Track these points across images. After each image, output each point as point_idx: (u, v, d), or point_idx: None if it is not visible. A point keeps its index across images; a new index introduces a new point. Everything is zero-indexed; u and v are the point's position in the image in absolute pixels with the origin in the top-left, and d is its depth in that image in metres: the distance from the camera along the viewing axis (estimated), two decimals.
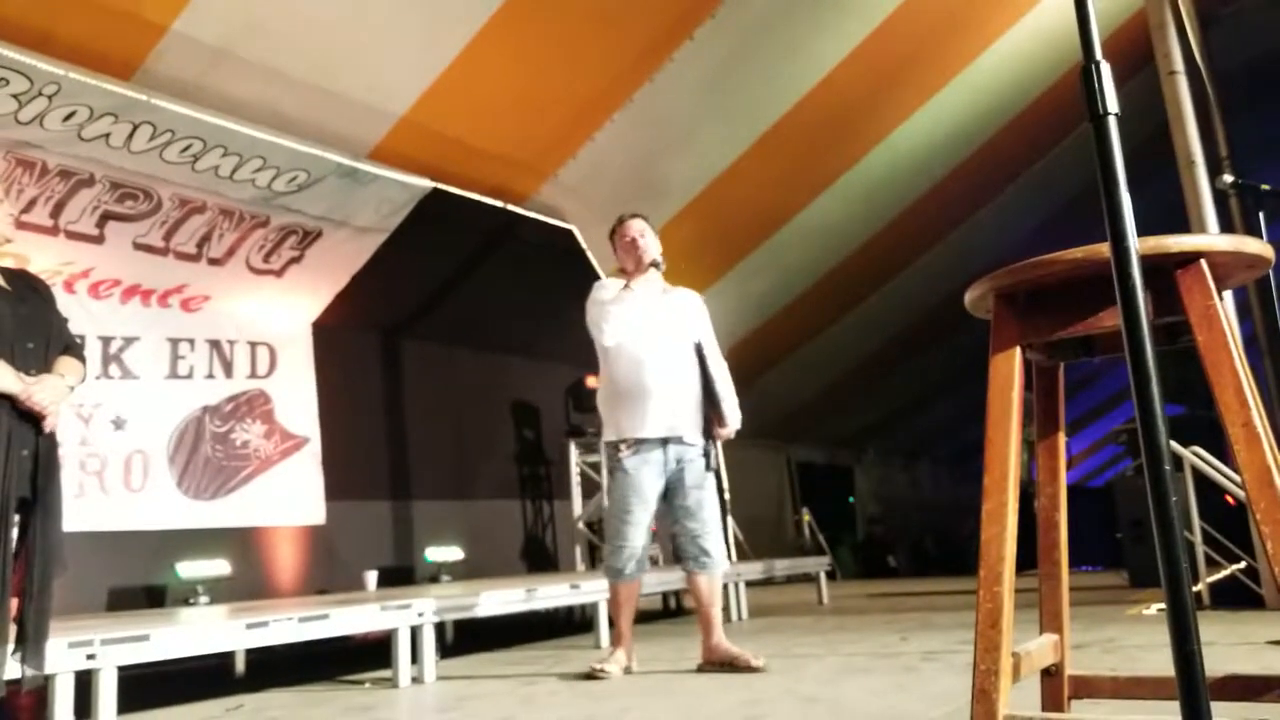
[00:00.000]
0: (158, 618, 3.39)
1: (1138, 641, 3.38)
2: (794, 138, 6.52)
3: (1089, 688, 1.31)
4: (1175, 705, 0.88)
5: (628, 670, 3.44)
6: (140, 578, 4.80)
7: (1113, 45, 7.50)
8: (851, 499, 12.48)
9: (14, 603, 2.17)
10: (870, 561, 11.58)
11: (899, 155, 7.30)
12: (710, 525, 3.48)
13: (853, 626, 4.68)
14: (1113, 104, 0.90)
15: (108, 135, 4.44)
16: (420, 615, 3.42)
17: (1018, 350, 1.16)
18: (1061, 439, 1.36)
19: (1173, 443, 4.67)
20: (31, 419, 2.24)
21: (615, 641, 3.52)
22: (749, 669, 3.26)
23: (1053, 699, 1.31)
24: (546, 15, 5.03)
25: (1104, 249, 1.04)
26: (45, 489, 2.26)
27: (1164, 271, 1.07)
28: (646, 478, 3.40)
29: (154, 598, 4.85)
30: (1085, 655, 3.01)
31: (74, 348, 2.47)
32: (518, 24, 4.95)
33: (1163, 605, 3.35)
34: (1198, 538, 4.68)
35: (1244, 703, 1.11)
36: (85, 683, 2.53)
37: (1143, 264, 1.04)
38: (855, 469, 12.59)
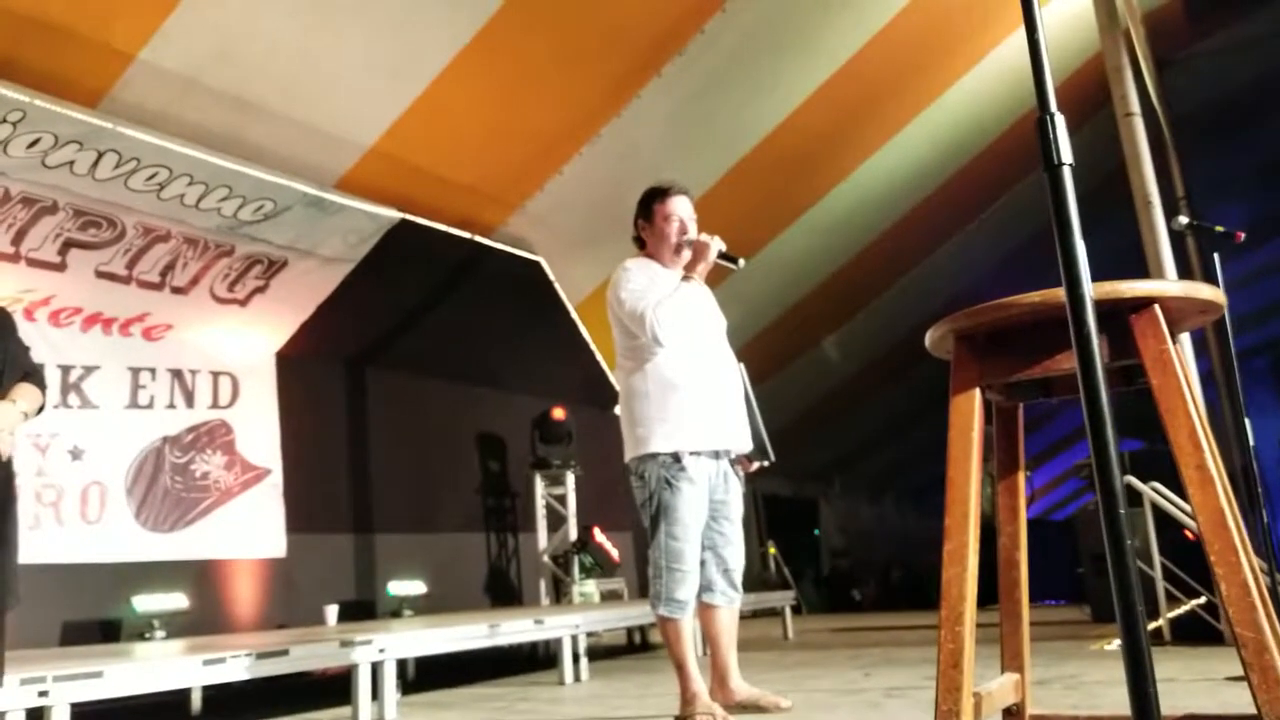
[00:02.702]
0: (112, 653, 3.30)
1: (1099, 677, 3.41)
2: (759, 174, 6.61)
3: None
4: None
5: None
6: (95, 611, 4.69)
7: (1069, 88, 7.74)
8: (817, 531, 12.51)
9: None
10: (835, 595, 11.59)
11: (862, 192, 7.43)
12: (743, 558, 3.11)
13: (816, 662, 4.68)
14: (1066, 155, 0.93)
15: (72, 163, 4.41)
16: (381, 651, 3.36)
17: (977, 391, 1.19)
18: (1021, 478, 1.39)
19: (1131, 478, 4.74)
20: None
21: (687, 686, 2.89)
22: (775, 710, 2.97)
23: None
24: (517, 48, 5.07)
25: (1059, 294, 1.07)
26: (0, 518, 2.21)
27: (1119, 316, 1.10)
28: (702, 494, 2.95)
29: (109, 632, 4.73)
30: (1047, 692, 3.04)
31: (33, 374, 2.43)
32: (488, 56, 4.99)
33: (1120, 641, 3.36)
34: (1158, 573, 4.74)
35: None
36: None
37: (1097, 309, 1.07)
38: (820, 502, 12.64)
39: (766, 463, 3.27)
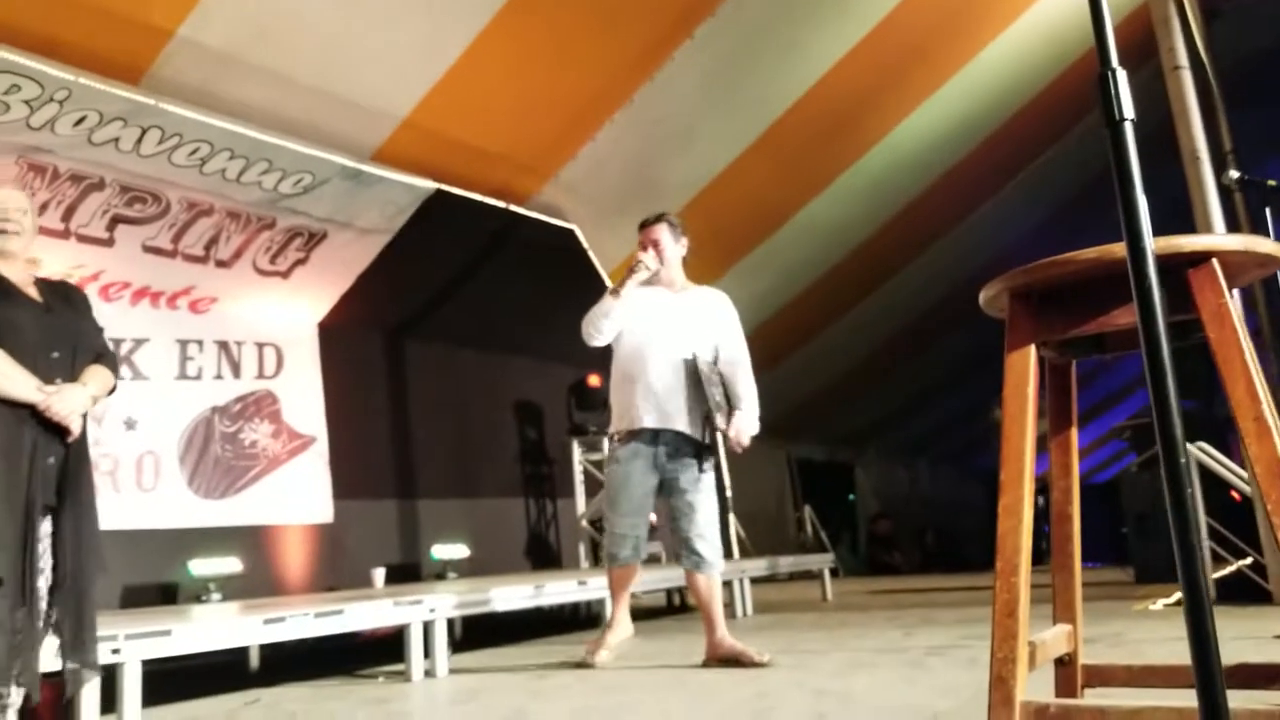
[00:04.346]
0: (174, 614, 3.43)
1: (1144, 635, 3.43)
2: (794, 136, 6.56)
3: (1102, 677, 1.35)
4: (1187, 693, 0.92)
5: (617, 648, 3.61)
6: (153, 575, 4.84)
7: (1118, 39, 7.54)
8: (853, 496, 12.53)
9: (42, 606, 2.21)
10: (872, 559, 11.63)
11: (899, 153, 7.34)
12: (703, 527, 3.52)
13: (857, 623, 4.73)
14: (1129, 110, 0.94)
15: (117, 139, 4.48)
16: (432, 611, 3.46)
17: (1032, 348, 1.20)
18: (1074, 434, 1.40)
19: None
20: (57, 428, 2.28)
21: (607, 627, 3.66)
22: (753, 664, 3.30)
23: (1066, 687, 1.35)
24: (547, 16, 5.07)
25: (1116, 249, 1.08)
26: (74, 495, 2.30)
27: (1176, 270, 1.11)
28: (637, 469, 3.52)
29: (167, 595, 4.89)
30: (1093, 649, 3.05)
31: (106, 356, 2.50)
32: (518, 25, 4.99)
33: (1169, 600, 3.40)
34: (1204, 534, 4.71)
35: (1253, 690, 1.15)
36: (109, 678, 2.57)
37: (1155, 263, 1.08)
38: (856, 466, 12.64)
39: (739, 439, 3.63)
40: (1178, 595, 4.64)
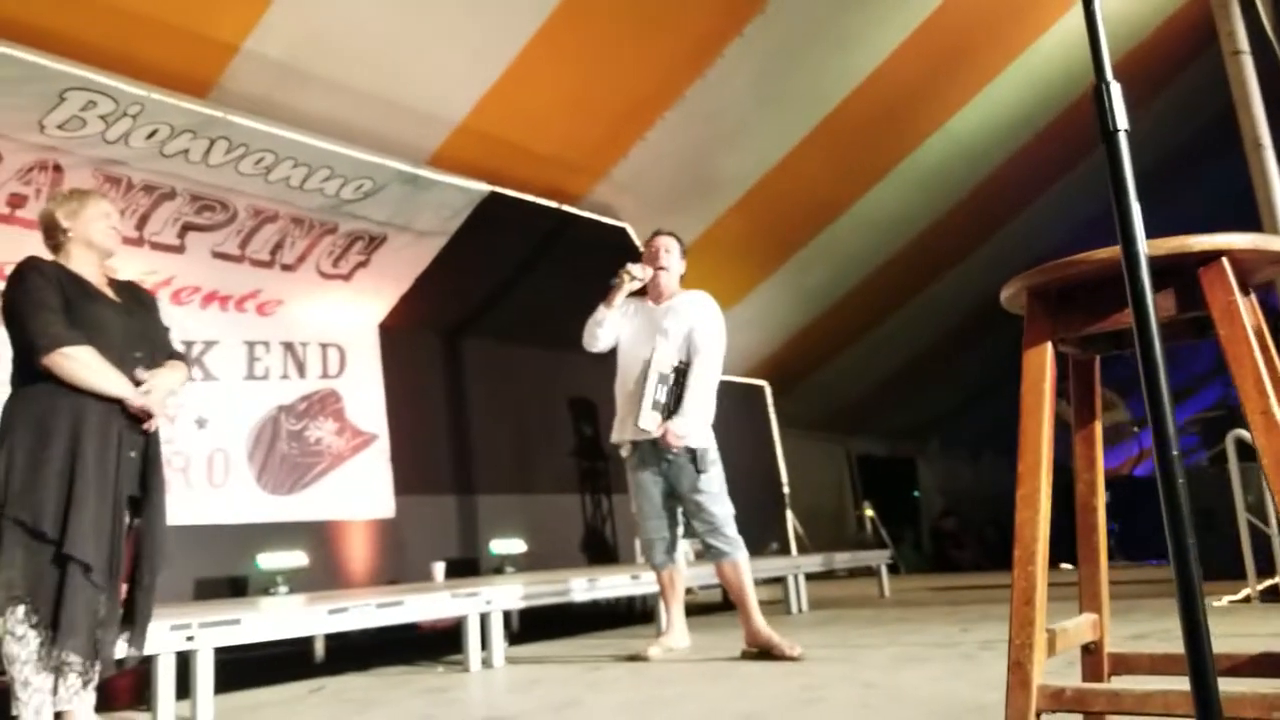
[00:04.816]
0: (244, 606, 3.59)
1: None
2: (847, 129, 6.53)
3: (1127, 664, 1.37)
4: (1223, 681, 0.94)
5: (669, 651, 3.68)
6: (224, 569, 5.04)
7: (1175, 24, 7.32)
8: (917, 493, 12.38)
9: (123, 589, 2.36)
10: (936, 556, 11.49)
11: (957, 142, 7.24)
12: (717, 520, 3.63)
13: (913, 618, 4.71)
14: (1122, 121, 0.96)
15: (187, 151, 4.68)
16: (489, 603, 3.56)
17: (1049, 345, 1.22)
18: (1098, 428, 1.42)
19: (1243, 431, 4.59)
20: (138, 422, 2.42)
21: (664, 631, 3.81)
22: (784, 658, 3.36)
23: (1093, 674, 1.37)
24: (597, 18, 5.14)
25: None
26: (153, 487, 2.45)
27: (1188, 269, 1.12)
28: (646, 476, 3.71)
29: (236, 588, 5.08)
30: (1143, 645, 3.02)
31: (176, 354, 2.65)
32: (569, 28, 5.07)
33: (1235, 597, 3.32)
34: (1274, 530, 4.58)
35: (1273, 679, 1.16)
36: (182, 664, 2.72)
37: (1167, 262, 1.10)
38: (918, 461, 12.49)
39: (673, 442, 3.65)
40: (1245, 592, 4.53)
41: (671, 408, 3.63)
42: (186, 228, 5.05)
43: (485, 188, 5.70)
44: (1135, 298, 0.90)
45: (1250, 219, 4.36)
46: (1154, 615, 3.95)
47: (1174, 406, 0.90)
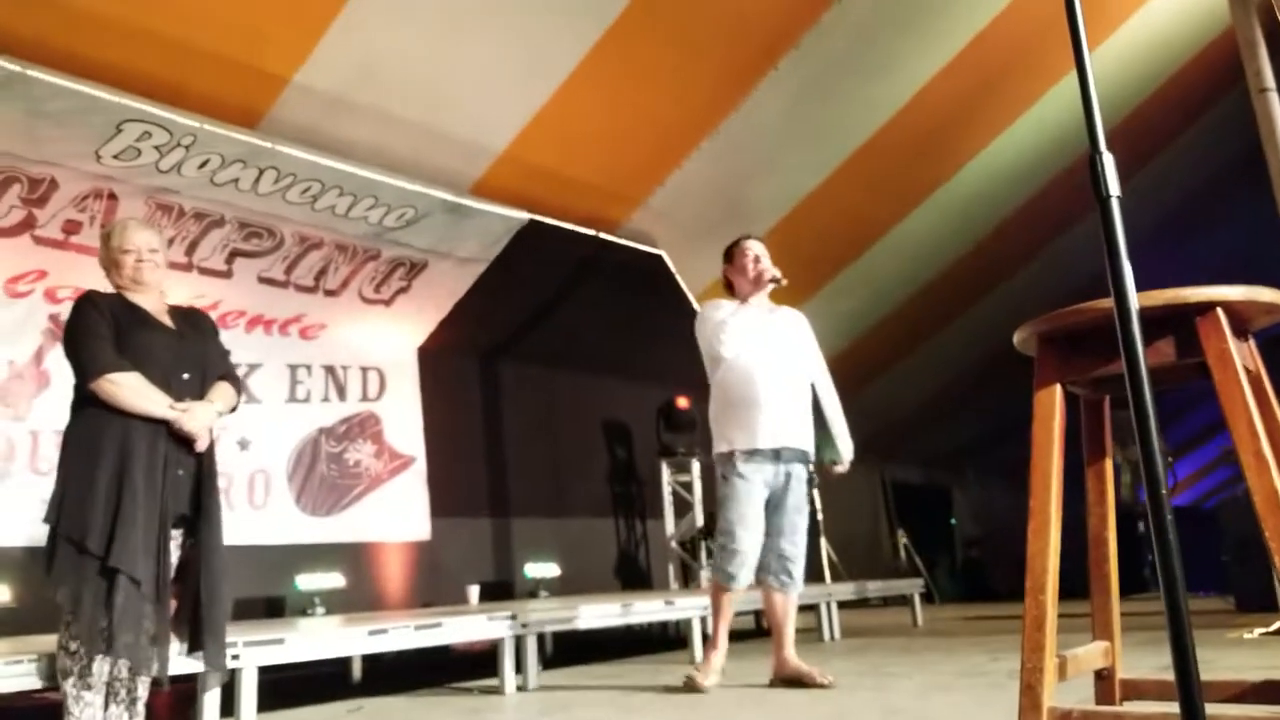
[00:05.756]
0: (284, 626, 3.69)
1: (1231, 664, 3.33)
2: (883, 157, 6.57)
3: (1138, 690, 1.41)
4: (1221, 706, 0.98)
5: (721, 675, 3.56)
6: (262, 589, 5.14)
7: (1201, 63, 7.29)
8: (953, 520, 12.27)
9: (172, 606, 2.46)
10: (970, 584, 11.36)
11: (995, 168, 7.26)
12: (801, 549, 3.59)
13: (944, 647, 4.69)
14: (1115, 188, 1.03)
15: (237, 180, 4.85)
16: (524, 626, 3.63)
17: (1058, 386, 1.28)
18: (1109, 465, 1.46)
19: None
20: (187, 443, 2.54)
21: (710, 649, 3.58)
22: (815, 685, 3.34)
23: (1105, 698, 1.41)
24: (637, 50, 5.25)
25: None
26: (207, 506, 2.55)
27: (1187, 318, 1.18)
28: (758, 487, 3.51)
29: (273, 608, 5.17)
30: (1167, 674, 3.00)
31: (230, 376, 2.76)
32: (610, 59, 5.18)
33: (1268, 629, 3.30)
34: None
35: (1270, 706, 1.19)
36: (227, 683, 2.82)
37: (1167, 312, 1.15)
38: (954, 489, 12.38)
39: (841, 464, 3.82)
40: (1277, 624, 4.46)
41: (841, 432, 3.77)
42: (234, 254, 5.22)
43: (525, 216, 5.83)
44: (1127, 349, 0.96)
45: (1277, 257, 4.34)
46: None
47: (1164, 446, 0.96)
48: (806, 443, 3.62)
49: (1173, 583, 0.92)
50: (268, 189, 4.99)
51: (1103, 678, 1.40)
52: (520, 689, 3.65)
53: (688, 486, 7.02)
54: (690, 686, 3.40)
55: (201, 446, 2.55)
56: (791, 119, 6.02)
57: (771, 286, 3.64)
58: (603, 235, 6.38)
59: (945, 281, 8.29)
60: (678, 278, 6.92)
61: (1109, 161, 1.05)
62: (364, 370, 6.07)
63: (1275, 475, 1.09)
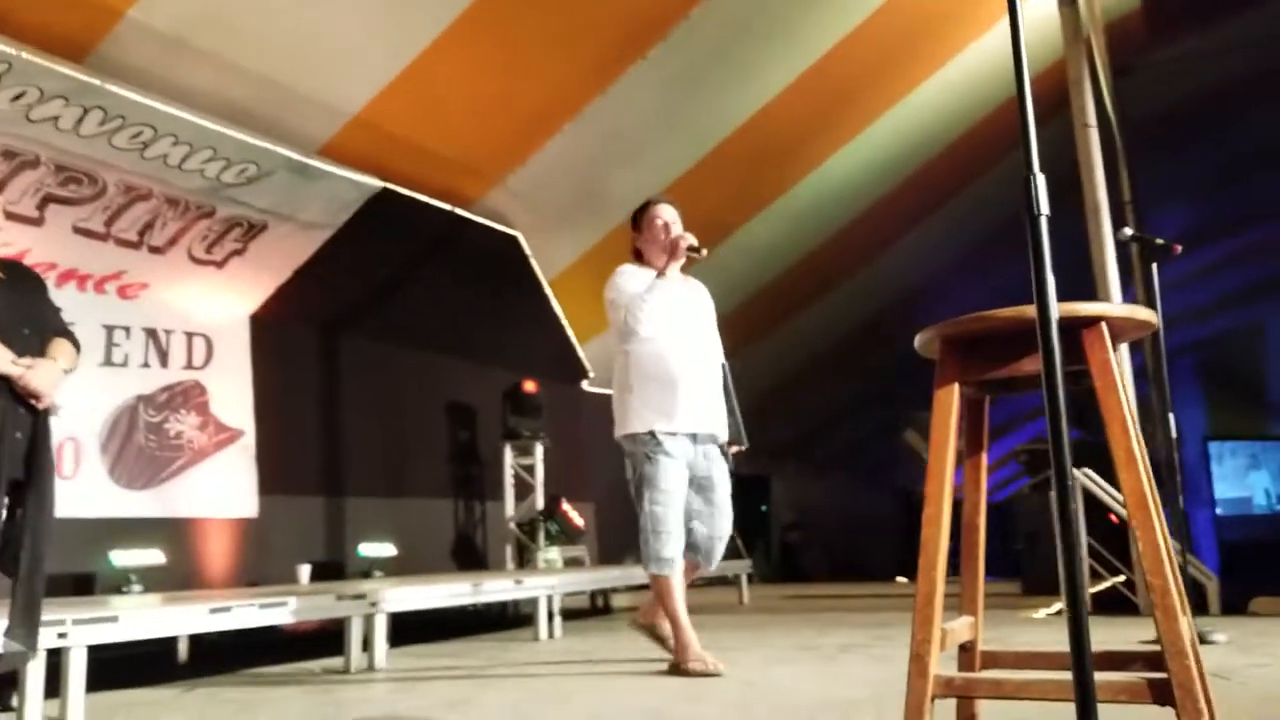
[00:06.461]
0: (112, 603, 3.43)
1: (1028, 639, 3.75)
2: (734, 160, 6.81)
3: (996, 660, 1.60)
4: (1064, 673, 1.14)
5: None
6: (70, 565, 4.74)
7: (1032, 92, 7.99)
8: (765, 507, 12.91)
9: None
10: (784, 567, 12.02)
11: (831, 183, 7.67)
12: (726, 528, 3.47)
13: (774, 624, 4.97)
14: (1044, 208, 1.16)
15: (57, 118, 4.41)
16: (373, 605, 3.55)
17: (957, 386, 1.42)
18: (984, 458, 1.64)
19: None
20: (25, 402, 2.32)
21: (679, 632, 3.25)
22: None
23: (967, 667, 1.60)
24: (506, 24, 5.18)
25: (1027, 310, 1.32)
26: (39, 471, 2.35)
27: (1073, 330, 1.34)
28: (682, 465, 3.33)
29: (81, 585, 4.79)
30: (992, 646, 3.34)
31: (68, 334, 2.55)
32: (477, 31, 5.09)
33: (1052, 610, 3.74)
34: (1083, 551, 5.14)
35: (1115, 672, 1.38)
36: (53, 662, 2.60)
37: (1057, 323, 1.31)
38: (773, 479, 13.02)
39: (742, 447, 3.68)
40: (1058, 606, 5.04)
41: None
42: (48, 199, 4.75)
43: (377, 183, 5.63)
44: (1045, 353, 1.10)
45: (1083, 275, 4.87)
46: (986, 624, 4.33)
47: (1069, 438, 1.09)
48: (721, 427, 3.47)
49: (1074, 572, 1.05)
50: (91, 131, 4.57)
51: (965, 650, 1.57)
52: (368, 668, 3.57)
53: (530, 470, 7.04)
54: (705, 672, 3.10)
55: (45, 405, 2.35)
56: (656, 111, 6.13)
57: (688, 258, 3.39)
58: (458, 211, 6.27)
59: (777, 288, 8.69)
60: (532, 260, 6.90)
61: (1042, 182, 1.17)
62: (189, 336, 5.69)
63: (1143, 473, 1.27)
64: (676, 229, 3.50)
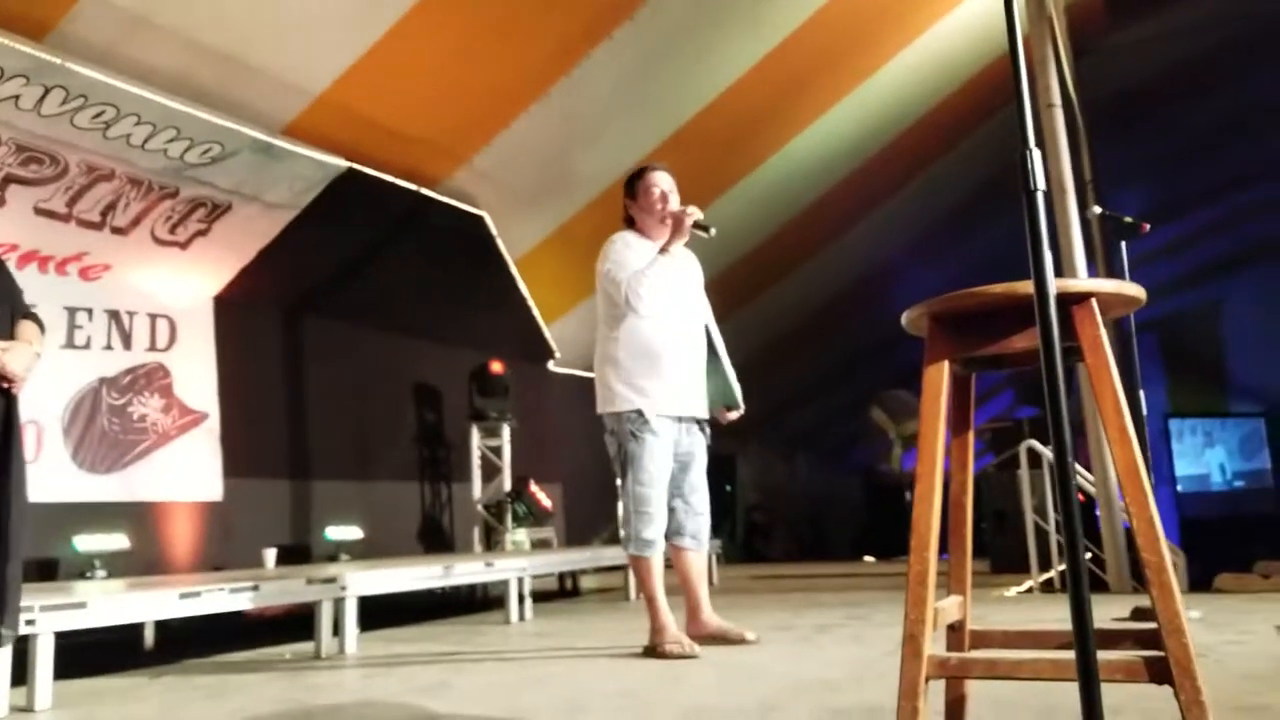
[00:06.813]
0: (77, 589, 3.37)
1: (1002, 618, 3.81)
2: (700, 140, 6.80)
3: (984, 639, 1.61)
4: (1052, 652, 1.16)
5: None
6: (31, 550, 4.62)
7: (989, 75, 8.06)
8: (729, 487, 12.98)
9: None
10: (749, 547, 12.12)
11: (795, 163, 7.69)
12: (707, 505, 3.47)
13: (746, 605, 5.01)
14: (1040, 183, 1.17)
15: (17, 97, 4.31)
16: (344, 589, 3.52)
17: (946, 363, 1.43)
18: (970, 436, 1.65)
19: (1034, 441, 5.21)
20: None
21: (657, 614, 3.22)
22: (741, 642, 3.28)
23: (956, 646, 1.60)
24: (473, 4, 5.14)
25: (1018, 287, 1.33)
26: (11, 455, 2.29)
27: (1063, 306, 1.35)
28: (669, 446, 3.28)
29: (45, 571, 4.72)
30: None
31: (32, 315, 2.48)
32: (443, 10, 5.03)
33: (1023, 588, 3.82)
34: (1052, 528, 5.24)
35: (1107, 651, 1.40)
36: (19, 649, 2.56)
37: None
38: (738, 458, 13.09)
39: (739, 410, 3.60)
40: (1028, 584, 5.13)
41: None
42: (9, 180, 4.64)
43: (342, 163, 5.56)
44: (1043, 330, 1.11)
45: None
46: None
47: (1066, 418, 1.11)
48: (704, 411, 3.45)
49: (1075, 553, 1.07)
50: (53, 110, 4.46)
51: (954, 629, 1.58)
52: (339, 653, 3.55)
53: (497, 451, 7.01)
54: (686, 655, 3.09)
55: (19, 389, 2.30)
56: (621, 91, 6.10)
57: (691, 235, 3.23)
58: (424, 191, 6.20)
59: (741, 269, 8.71)
60: (498, 241, 6.84)
61: (1038, 158, 1.18)
62: (152, 318, 5.59)
63: (1134, 448, 1.29)
64: (674, 200, 3.36)
